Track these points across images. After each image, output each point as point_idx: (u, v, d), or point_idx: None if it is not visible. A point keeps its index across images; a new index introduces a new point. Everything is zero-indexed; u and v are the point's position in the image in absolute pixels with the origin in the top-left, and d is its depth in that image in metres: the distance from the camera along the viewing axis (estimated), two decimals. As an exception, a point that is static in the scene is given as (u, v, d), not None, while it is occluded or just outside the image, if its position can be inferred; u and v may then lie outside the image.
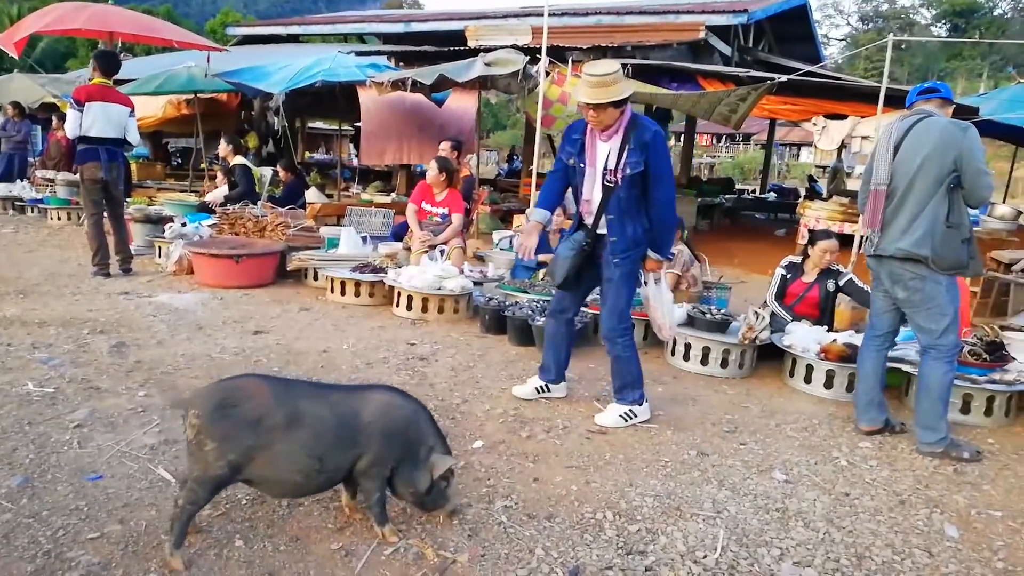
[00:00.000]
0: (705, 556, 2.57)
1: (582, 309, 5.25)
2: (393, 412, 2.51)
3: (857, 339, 4.61)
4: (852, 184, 19.24)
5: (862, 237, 6.71)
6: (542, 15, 11.25)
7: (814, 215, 10.33)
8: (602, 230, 3.62)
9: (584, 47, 9.56)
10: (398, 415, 2.52)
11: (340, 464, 2.43)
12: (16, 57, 8.78)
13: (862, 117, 8.41)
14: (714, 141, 44.32)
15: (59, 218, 9.66)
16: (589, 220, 3.65)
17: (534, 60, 8.36)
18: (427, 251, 6.14)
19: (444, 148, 7.41)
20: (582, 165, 3.58)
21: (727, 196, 14.96)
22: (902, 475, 3.38)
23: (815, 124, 8.89)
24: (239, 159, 8.53)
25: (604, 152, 3.53)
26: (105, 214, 6.51)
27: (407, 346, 4.86)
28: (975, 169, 3.43)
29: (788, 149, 41.91)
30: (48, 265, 6.84)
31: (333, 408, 2.44)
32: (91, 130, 6.14)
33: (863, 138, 8.82)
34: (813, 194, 15.54)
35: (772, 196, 17.90)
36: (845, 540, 2.75)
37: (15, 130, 12.00)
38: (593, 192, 3.59)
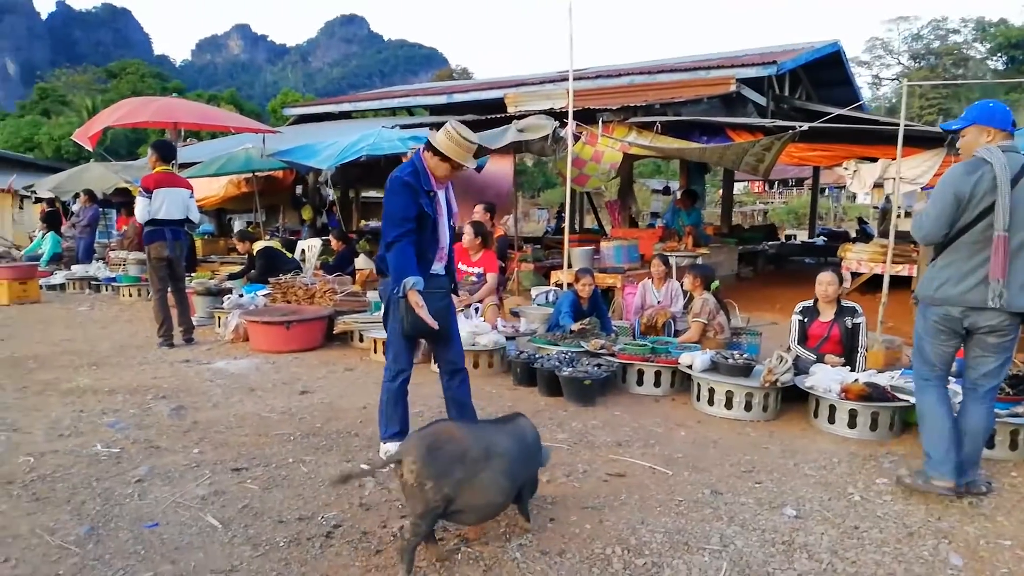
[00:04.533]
0: (706, 586, 2.71)
1: (608, 358, 5.48)
2: (535, 430, 3.14)
3: (878, 378, 4.70)
4: (903, 225, 18.97)
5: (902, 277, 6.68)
6: (578, 79, 11.74)
7: (856, 258, 10.33)
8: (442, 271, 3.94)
9: (614, 107, 9.94)
10: (536, 432, 3.15)
11: (525, 480, 2.98)
12: (91, 150, 9.65)
13: (892, 159, 8.49)
14: (767, 187, 44.18)
15: (130, 295, 10.39)
16: (442, 265, 3.93)
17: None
18: (463, 309, 6.45)
19: (477, 211, 7.80)
20: (438, 216, 3.80)
21: (770, 243, 14.95)
22: (915, 508, 3.45)
23: (846, 168, 9.00)
24: (259, 245, 9.11)
25: (443, 201, 3.87)
26: (169, 289, 7.06)
27: (441, 400, 5.10)
28: None
29: (843, 192, 41.46)
30: (119, 338, 7.40)
31: (510, 436, 2.95)
32: (159, 213, 6.73)
33: (900, 179, 8.89)
34: (864, 236, 15.43)
35: (821, 240, 17.77)
36: (847, 570, 2.85)
37: (83, 216, 13.02)
38: (446, 238, 3.92)
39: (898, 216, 18.57)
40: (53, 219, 14.78)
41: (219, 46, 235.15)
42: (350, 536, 3.04)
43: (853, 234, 17.80)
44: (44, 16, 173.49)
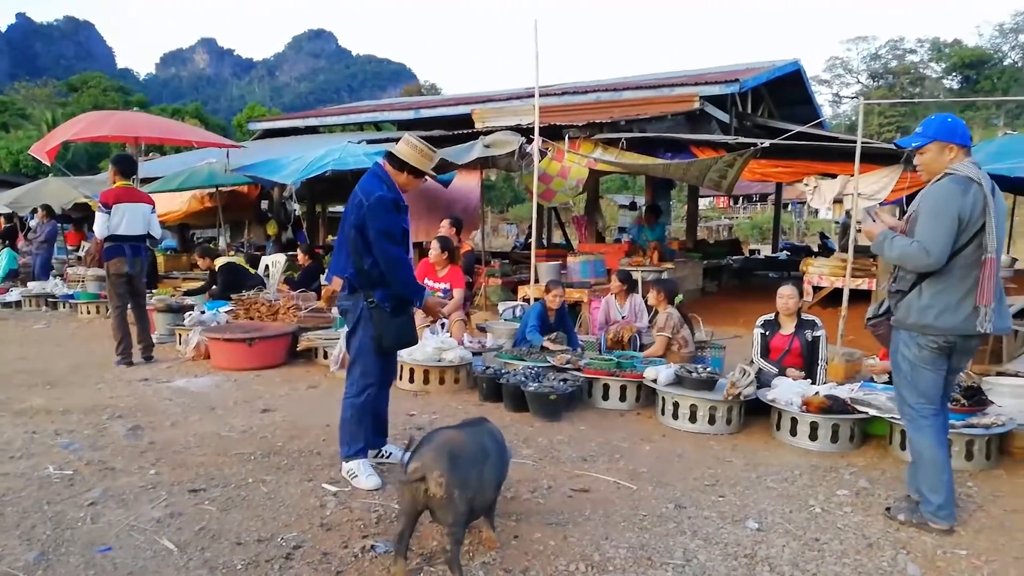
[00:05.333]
0: (669, 601, 2.71)
1: (575, 373, 5.49)
2: (501, 433, 3.27)
3: (839, 391, 4.77)
4: (863, 240, 19.31)
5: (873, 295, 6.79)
6: (544, 96, 11.82)
7: (817, 272, 10.52)
8: None
9: (580, 124, 10.02)
10: (502, 434, 3.29)
11: (503, 479, 3.16)
12: (49, 164, 9.45)
13: (851, 175, 8.67)
14: (731, 203, 44.81)
15: (88, 312, 10.15)
16: None
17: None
18: (429, 325, 6.42)
19: (443, 226, 7.78)
20: (409, 228, 3.86)
21: (734, 257, 15.16)
22: (874, 520, 3.49)
23: (806, 184, 9.17)
24: (220, 261, 9.02)
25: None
26: (129, 306, 6.91)
27: (406, 417, 5.08)
28: None
29: (806, 207, 42.19)
30: (76, 357, 7.22)
31: (489, 437, 3.10)
32: (118, 229, 6.59)
33: (859, 195, 9.08)
34: (826, 250, 15.72)
35: (784, 255, 18.06)
36: (808, 582, 2.87)
37: (41, 231, 12.74)
38: (411, 250, 3.96)
39: (858, 231, 18.96)
40: (9, 235, 14.44)
41: (184, 60, 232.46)
42: (310, 557, 2.98)
43: (815, 249, 18.14)
44: (3, 28, 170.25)
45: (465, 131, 11.53)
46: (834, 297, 9.76)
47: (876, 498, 3.77)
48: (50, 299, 11.05)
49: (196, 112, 53.63)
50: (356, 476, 3.79)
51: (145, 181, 11.09)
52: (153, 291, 9.45)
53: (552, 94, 14.16)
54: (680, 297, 6.39)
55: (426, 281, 7.06)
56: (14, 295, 11.40)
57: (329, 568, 2.89)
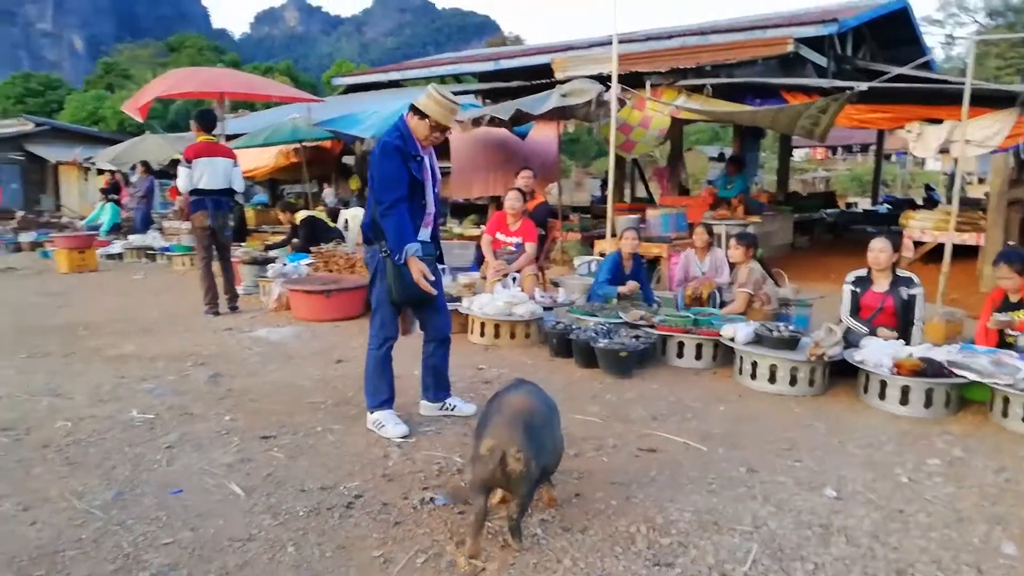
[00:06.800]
0: (733, 569, 2.58)
1: (647, 330, 5.32)
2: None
3: (934, 353, 4.43)
4: (974, 191, 17.96)
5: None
6: (625, 42, 11.39)
7: (919, 226, 9.84)
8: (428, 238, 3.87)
9: (663, 70, 9.60)
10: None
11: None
12: (141, 120, 9.81)
13: (958, 121, 7.98)
14: (829, 154, 42.57)
15: (183, 264, 10.60)
16: (429, 230, 3.86)
17: (614, 87, 8.49)
18: (501, 279, 6.34)
19: (526, 176, 7.48)
20: (424, 181, 3.74)
21: (828, 211, 14.39)
22: (967, 492, 3.23)
23: (909, 131, 8.50)
24: (300, 215, 9.14)
25: (428, 167, 3.77)
26: (215, 258, 7.14)
27: (475, 371, 5.06)
28: None
29: (909, 157, 39.54)
30: (168, 306, 7.55)
31: (545, 393, 2.98)
32: (200, 183, 6.77)
33: (967, 142, 8.36)
34: (931, 203, 14.73)
35: (884, 208, 17.03)
36: (888, 556, 2.68)
37: (140, 186, 13.35)
38: (433, 205, 3.84)
39: (969, 183, 17.66)
40: (114, 190, 15.22)
41: (276, 19, 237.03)
42: (370, 507, 3.00)
43: (919, 202, 17.02)
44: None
45: (544, 81, 11.24)
46: (937, 253, 9.11)
47: (971, 469, 3.49)
48: (149, 251, 11.62)
49: (287, 70, 54.78)
50: (383, 426, 3.82)
51: (234, 137, 11.40)
52: (242, 244, 9.74)
53: (635, 40, 13.63)
54: (760, 251, 6.06)
55: (497, 235, 6.97)
56: (117, 247, 12.03)
57: (388, 518, 2.90)
